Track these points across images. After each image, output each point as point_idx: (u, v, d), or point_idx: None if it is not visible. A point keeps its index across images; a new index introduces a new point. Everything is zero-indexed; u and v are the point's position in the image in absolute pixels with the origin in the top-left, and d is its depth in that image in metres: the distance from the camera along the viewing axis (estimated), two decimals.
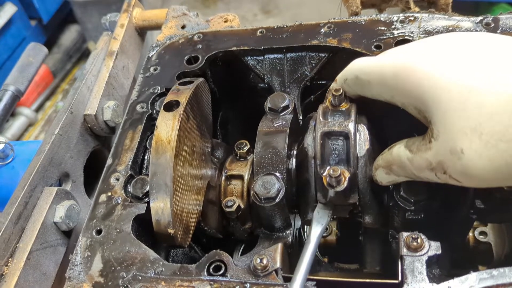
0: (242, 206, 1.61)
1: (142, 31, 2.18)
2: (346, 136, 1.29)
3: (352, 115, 1.32)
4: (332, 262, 1.96)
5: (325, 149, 1.31)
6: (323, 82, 1.86)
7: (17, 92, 2.24)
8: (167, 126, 1.41)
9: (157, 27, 2.13)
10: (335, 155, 1.30)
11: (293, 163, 1.46)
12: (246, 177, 1.69)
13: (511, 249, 1.76)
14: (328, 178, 1.26)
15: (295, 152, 1.49)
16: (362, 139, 1.31)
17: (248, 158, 1.77)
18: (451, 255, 1.60)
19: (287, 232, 1.52)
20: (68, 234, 1.61)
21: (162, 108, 1.45)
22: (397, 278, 1.22)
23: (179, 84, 1.57)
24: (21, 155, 2.06)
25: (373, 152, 1.32)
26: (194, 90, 1.54)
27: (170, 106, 1.47)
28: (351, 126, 1.29)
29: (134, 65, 2.11)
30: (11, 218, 1.44)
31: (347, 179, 1.26)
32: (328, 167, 1.28)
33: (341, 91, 1.38)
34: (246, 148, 1.75)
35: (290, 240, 1.51)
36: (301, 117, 1.72)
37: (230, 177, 1.69)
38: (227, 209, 1.59)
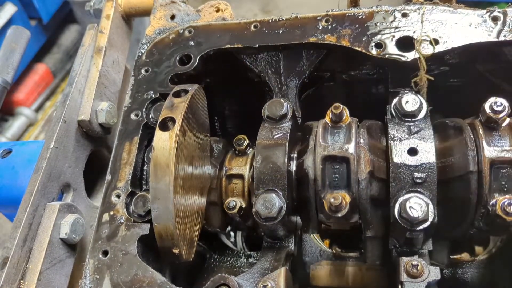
0: (244, 206, 1.63)
1: (129, 18, 2.06)
2: (346, 161, 1.27)
3: (353, 137, 1.29)
4: (333, 245, 2.03)
5: (325, 173, 1.30)
6: (321, 74, 1.80)
7: (4, 84, 2.17)
8: (164, 149, 1.38)
9: (145, 13, 2.00)
10: (336, 179, 1.30)
11: (293, 177, 1.45)
12: (246, 176, 1.69)
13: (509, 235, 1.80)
14: (329, 204, 1.26)
15: (295, 163, 1.47)
16: (362, 161, 1.29)
17: (248, 152, 1.76)
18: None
19: (290, 240, 1.55)
20: (74, 246, 1.64)
21: (157, 126, 1.42)
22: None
23: (173, 94, 1.52)
24: (21, 155, 2.04)
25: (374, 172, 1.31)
26: (189, 102, 1.49)
27: (166, 124, 1.43)
28: (351, 150, 1.27)
29: (125, 56, 2.02)
30: (17, 243, 1.46)
31: (348, 204, 1.26)
32: (329, 193, 1.28)
33: (341, 107, 1.34)
34: (245, 144, 1.73)
35: (292, 248, 1.54)
36: (299, 117, 1.68)
37: (231, 177, 1.69)
38: (230, 211, 1.61)
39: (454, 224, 1.31)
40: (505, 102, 1.31)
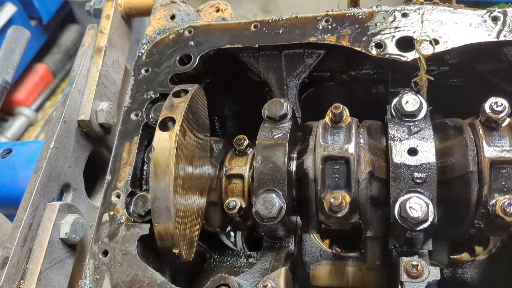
0: (244, 206, 1.63)
1: (129, 18, 2.06)
2: (346, 161, 1.27)
3: (353, 137, 1.29)
4: (333, 245, 2.03)
5: (325, 173, 1.30)
6: (321, 74, 1.80)
7: (4, 84, 2.17)
8: (164, 148, 1.38)
9: (145, 13, 2.01)
10: (336, 179, 1.30)
11: (293, 177, 1.45)
12: (246, 176, 1.69)
13: (509, 235, 1.80)
14: (329, 204, 1.26)
15: (295, 163, 1.47)
16: (362, 161, 1.29)
17: (248, 152, 1.76)
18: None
19: (290, 240, 1.55)
20: (74, 246, 1.64)
21: (157, 126, 1.42)
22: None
23: (173, 94, 1.51)
24: (21, 155, 2.03)
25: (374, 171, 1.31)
26: (189, 102, 1.49)
27: (166, 124, 1.43)
28: (351, 150, 1.27)
29: (125, 56, 2.02)
30: (17, 243, 1.47)
31: (348, 204, 1.26)
32: (329, 193, 1.28)
33: (341, 108, 1.34)
34: (245, 144, 1.73)
35: (292, 248, 1.54)
36: (299, 117, 1.68)
37: (231, 177, 1.69)
38: (230, 211, 1.61)
39: (454, 224, 1.31)
40: (505, 102, 1.31)
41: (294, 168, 1.47)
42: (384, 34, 1.54)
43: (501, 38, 1.45)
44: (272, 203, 1.38)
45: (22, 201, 1.55)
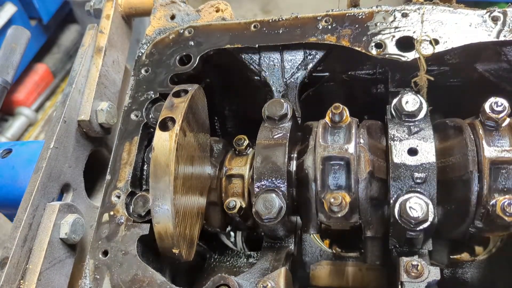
0: (244, 206, 1.63)
1: (129, 18, 2.06)
2: (346, 161, 1.27)
3: (353, 137, 1.29)
4: (333, 245, 2.03)
5: (325, 174, 1.30)
6: (321, 74, 1.80)
7: (4, 83, 2.17)
8: (164, 148, 1.38)
9: (145, 13, 2.01)
10: (336, 179, 1.30)
11: (293, 177, 1.45)
12: (246, 176, 1.69)
13: (509, 235, 1.80)
14: (329, 204, 1.26)
15: (295, 163, 1.47)
16: (362, 161, 1.29)
17: (248, 152, 1.76)
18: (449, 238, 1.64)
19: (290, 240, 1.55)
20: (74, 246, 1.64)
21: (157, 126, 1.42)
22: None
23: (173, 94, 1.52)
24: (21, 155, 2.04)
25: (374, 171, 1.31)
26: (189, 102, 1.49)
27: (166, 124, 1.43)
28: (351, 150, 1.27)
29: (125, 56, 2.02)
30: (17, 243, 1.47)
31: (348, 204, 1.26)
32: (329, 193, 1.28)
33: (341, 108, 1.34)
34: (245, 144, 1.73)
35: (292, 248, 1.54)
36: (299, 117, 1.68)
37: (230, 177, 1.69)
38: (230, 211, 1.61)
39: (454, 224, 1.31)
40: (505, 102, 1.31)
41: (294, 168, 1.47)
42: (384, 34, 1.54)
43: (501, 38, 1.45)
44: (272, 203, 1.38)
45: (22, 201, 1.55)
